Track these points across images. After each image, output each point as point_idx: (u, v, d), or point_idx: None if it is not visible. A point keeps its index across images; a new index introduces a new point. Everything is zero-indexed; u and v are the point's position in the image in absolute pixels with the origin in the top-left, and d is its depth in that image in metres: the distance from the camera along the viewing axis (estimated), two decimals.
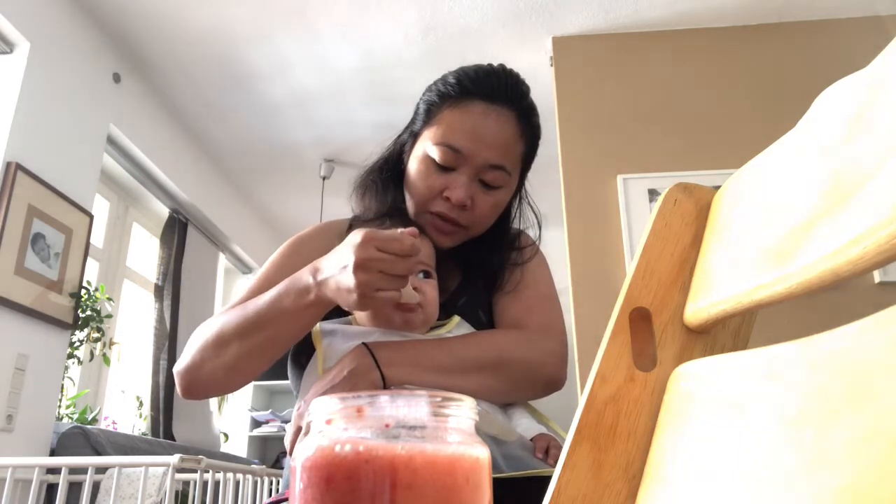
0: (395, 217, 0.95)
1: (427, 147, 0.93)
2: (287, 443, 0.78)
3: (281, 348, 0.82)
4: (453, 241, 0.96)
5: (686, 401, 0.38)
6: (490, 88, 0.92)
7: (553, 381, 0.88)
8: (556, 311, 0.97)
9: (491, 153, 0.91)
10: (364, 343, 0.80)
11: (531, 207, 1.07)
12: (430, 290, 0.88)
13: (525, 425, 0.85)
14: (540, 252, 1.06)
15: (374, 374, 0.76)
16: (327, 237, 0.99)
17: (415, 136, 0.98)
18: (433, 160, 0.92)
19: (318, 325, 0.86)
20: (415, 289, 0.84)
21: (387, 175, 1.01)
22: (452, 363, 0.81)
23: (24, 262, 2.20)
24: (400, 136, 1.03)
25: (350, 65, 2.87)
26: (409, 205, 0.97)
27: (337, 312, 0.87)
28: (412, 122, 1.00)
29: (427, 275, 0.89)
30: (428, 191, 0.93)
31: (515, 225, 1.05)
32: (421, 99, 0.98)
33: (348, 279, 0.70)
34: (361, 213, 1.03)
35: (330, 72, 2.89)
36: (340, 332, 0.86)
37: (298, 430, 0.74)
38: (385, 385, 0.76)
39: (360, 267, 0.69)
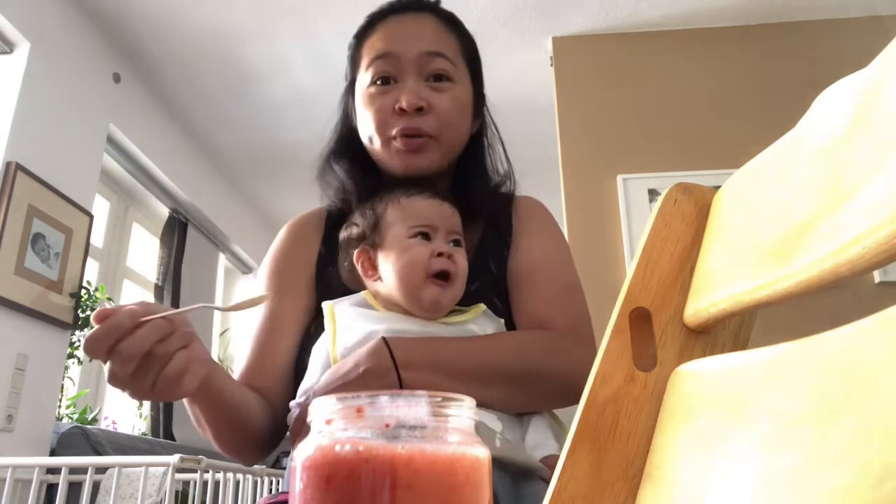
0: (372, 196, 0.87)
1: (362, 81, 0.89)
2: (292, 417, 0.77)
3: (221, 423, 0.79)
4: (430, 158, 0.87)
5: (686, 401, 0.38)
6: (397, 5, 0.91)
7: (582, 394, 0.83)
8: (581, 304, 0.89)
9: (422, 42, 0.87)
10: (384, 338, 0.73)
11: (501, 144, 0.98)
12: (462, 260, 0.80)
13: (539, 440, 0.77)
14: (549, 216, 0.97)
15: (390, 376, 0.71)
16: (304, 238, 0.95)
17: (352, 89, 0.94)
18: (371, 84, 0.88)
19: (331, 303, 0.81)
20: (449, 256, 0.78)
21: (347, 153, 0.95)
22: (476, 371, 0.74)
23: (24, 262, 2.20)
24: (341, 103, 0.99)
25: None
26: (371, 147, 0.90)
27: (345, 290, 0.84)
28: (346, 84, 0.97)
29: (457, 243, 0.82)
30: (379, 113, 0.86)
31: (490, 163, 0.98)
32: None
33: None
34: (333, 201, 0.95)
35: (330, 72, 2.89)
36: (354, 314, 0.80)
37: (302, 421, 0.72)
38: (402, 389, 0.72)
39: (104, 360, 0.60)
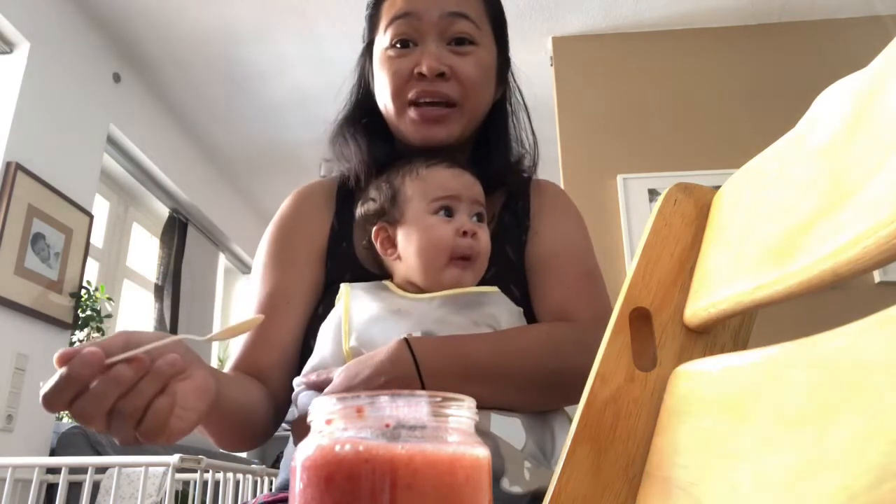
0: (387, 167, 0.83)
1: (380, 43, 0.84)
2: (299, 382, 0.72)
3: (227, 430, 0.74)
4: (448, 129, 0.81)
5: (686, 401, 0.38)
6: None
7: None
8: (604, 292, 0.83)
9: (445, 2, 0.81)
10: (406, 339, 0.67)
11: (526, 113, 0.93)
12: (485, 236, 0.76)
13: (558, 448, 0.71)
14: (570, 200, 0.92)
15: (414, 387, 0.64)
16: (313, 207, 0.89)
17: (369, 51, 0.89)
18: (390, 47, 0.82)
19: (347, 285, 0.76)
20: (472, 234, 0.74)
21: (362, 119, 0.89)
22: (508, 376, 0.68)
23: (24, 262, 2.20)
24: (357, 66, 0.93)
25: (350, 65, 2.86)
26: (386, 114, 0.84)
27: (364, 275, 0.80)
28: (364, 46, 0.91)
29: (479, 217, 0.77)
30: (396, 76, 0.81)
31: (513, 132, 0.92)
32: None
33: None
34: (345, 171, 0.90)
35: (330, 72, 2.89)
36: (369, 296, 0.74)
37: (322, 383, 0.67)
38: None
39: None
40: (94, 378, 0.46)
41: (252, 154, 3.59)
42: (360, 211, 0.82)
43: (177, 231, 3.44)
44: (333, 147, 0.91)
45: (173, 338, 0.52)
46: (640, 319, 0.43)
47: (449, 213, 0.76)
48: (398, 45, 0.82)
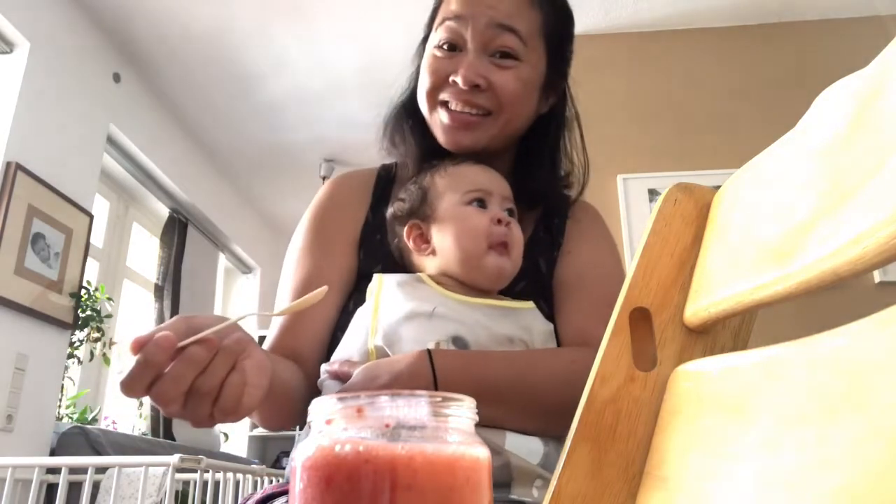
0: (434, 160, 0.83)
1: (432, 40, 0.84)
2: (325, 370, 0.71)
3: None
4: (476, 137, 0.81)
5: (686, 401, 0.38)
6: None
7: None
8: None
9: (496, 12, 0.80)
10: (429, 352, 0.66)
11: (579, 129, 0.91)
12: (517, 230, 0.76)
13: None
14: (606, 227, 0.92)
15: None
16: (350, 197, 0.89)
17: (425, 44, 0.89)
18: (438, 47, 0.83)
19: (380, 276, 0.76)
20: (507, 224, 0.74)
21: (417, 111, 0.88)
22: (527, 403, 0.68)
23: (24, 262, 2.20)
24: (415, 56, 0.92)
25: (350, 65, 2.86)
26: (423, 110, 0.85)
27: (391, 267, 0.80)
28: (423, 37, 0.91)
29: (510, 213, 0.77)
30: (434, 76, 0.81)
31: (563, 146, 0.91)
32: None
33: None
34: (398, 158, 0.91)
35: (330, 72, 2.89)
36: (402, 291, 0.74)
37: (343, 375, 0.67)
38: None
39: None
40: (168, 362, 0.47)
41: (252, 154, 3.59)
42: (389, 213, 0.83)
43: (177, 231, 3.44)
44: (385, 132, 0.92)
45: (240, 316, 0.54)
46: (640, 319, 0.43)
47: (482, 204, 0.76)
48: (445, 47, 0.83)
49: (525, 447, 0.67)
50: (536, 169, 0.88)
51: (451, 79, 0.80)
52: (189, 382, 0.48)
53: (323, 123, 3.25)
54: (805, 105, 0.35)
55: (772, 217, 0.35)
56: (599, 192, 2.45)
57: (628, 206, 2.40)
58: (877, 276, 2.22)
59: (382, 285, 0.74)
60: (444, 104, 0.82)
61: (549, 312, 0.81)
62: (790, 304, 0.40)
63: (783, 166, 0.36)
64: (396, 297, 0.73)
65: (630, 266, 0.44)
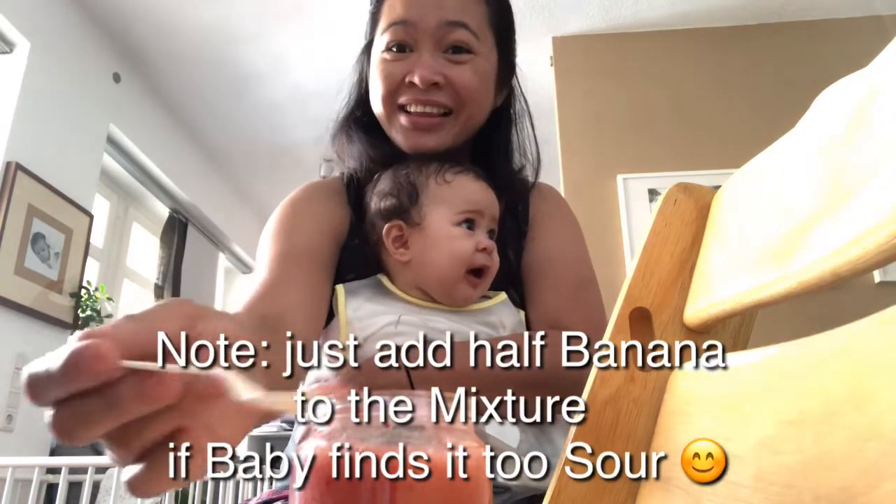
0: (391, 164, 0.81)
1: (379, 44, 0.83)
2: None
3: None
4: (439, 138, 0.80)
5: (686, 401, 0.38)
6: None
7: None
8: (597, 299, 0.83)
9: (444, 11, 0.80)
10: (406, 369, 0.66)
11: (529, 120, 0.91)
12: (496, 255, 0.76)
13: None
14: (568, 208, 0.91)
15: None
16: (326, 196, 0.87)
17: (368, 49, 0.87)
18: (386, 50, 0.81)
19: (342, 287, 0.74)
20: (484, 250, 0.73)
21: (362, 119, 0.88)
22: (501, 386, 0.70)
23: (24, 262, 2.20)
24: (356, 65, 0.91)
25: (350, 64, 2.86)
26: (378, 115, 0.84)
27: (367, 270, 0.78)
28: (364, 44, 0.90)
29: (491, 235, 0.77)
30: (388, 81, 0.80)
31: (516, 139, 0.91)
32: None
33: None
34: (351, 167, 0.89)
35: (330, 72, 2.89)
36: (369, 303, 0.73)
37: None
38: None
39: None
40: (92, 385, 0.30)
41: (252, 154, 3.59)
42: (373, 205, 0.80)
43: (177, 231, 3.44)
44: (335, 145, 0.91)
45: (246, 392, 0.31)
46: (640, 319, 0.43)
47: (471, 226, 0.75)
48: (394, 49, 0.81)
49: (501, 433, 0.67)
50: (495, 162, 0.87)
51: (406, 80, 0.79)
52: (102, 428, 0.31)
53: (323, 123, 3.24)
54: (805, 105, 0.35)
55: (772, 217, 0.35)
56: (599, 192, 2.45)
57: (628, 206, 2.40)
58: (877, 276, 2.22)
59: (346, 300, 0.73)
60: (402, 108, 0.80)
61: (519, 300, 0.81)
62: (790, 304, 0.40)
63: (783, 166, 0.36)
64: (361, 312, 0.72)
65: (630, 266, 0.44)
